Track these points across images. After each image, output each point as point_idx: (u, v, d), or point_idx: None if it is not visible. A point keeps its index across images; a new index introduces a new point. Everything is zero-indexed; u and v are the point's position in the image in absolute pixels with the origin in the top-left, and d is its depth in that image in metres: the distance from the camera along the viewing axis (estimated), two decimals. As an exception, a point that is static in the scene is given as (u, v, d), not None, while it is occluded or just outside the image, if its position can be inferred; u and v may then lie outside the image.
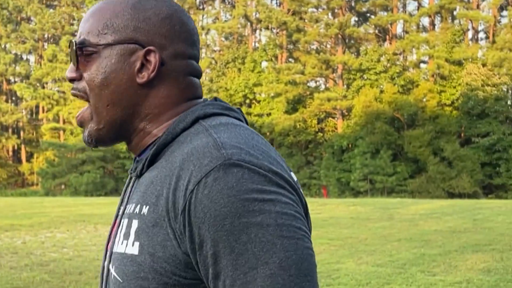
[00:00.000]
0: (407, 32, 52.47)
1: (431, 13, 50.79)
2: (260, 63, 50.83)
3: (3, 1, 56.47)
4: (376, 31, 53.76)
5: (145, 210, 1.08)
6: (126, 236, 1.11)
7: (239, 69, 50.33)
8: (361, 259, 10.43)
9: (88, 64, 1.16)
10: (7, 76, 58.27)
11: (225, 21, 57.68)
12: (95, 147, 1.22)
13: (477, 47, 47.83)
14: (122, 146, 45.76)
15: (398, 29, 55.20)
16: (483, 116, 42.64)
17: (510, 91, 44.83)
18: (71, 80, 1.19)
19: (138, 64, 1.14)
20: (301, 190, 1.10)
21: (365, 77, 47.08)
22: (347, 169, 43.67)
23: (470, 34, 50.95)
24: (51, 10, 59.07)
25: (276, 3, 57.31)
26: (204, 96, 1.43)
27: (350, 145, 44.73)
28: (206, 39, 55.53)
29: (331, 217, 18.26)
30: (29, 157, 57.65)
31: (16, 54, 59.40)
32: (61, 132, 55.03)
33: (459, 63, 45.36)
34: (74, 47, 1.16)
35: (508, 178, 40.85)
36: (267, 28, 54.55)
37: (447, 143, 41.79)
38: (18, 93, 56.99)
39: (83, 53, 1.16)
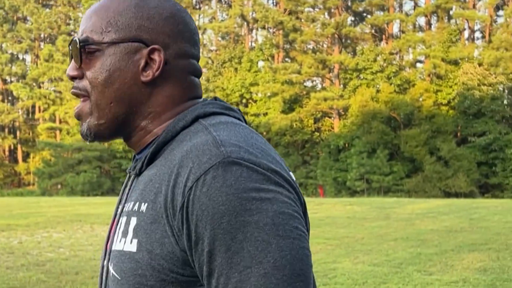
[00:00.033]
0: (403, 32, 52.53)
1: (427, 13, 50.86)
2: (257, 63, 50.82)
3: (-1, 1, 56.44)
4: (373, 31, 53.82)
5: (143, 207, 1.08)
6: (125, 233, 1.11)
7: (236, 69, 50.31)
8: (358, 258, 10.43)
9: (90, 62, 1.15)
10: (3, 75, 58.18)
11: (222, 20, 57.69)
12: (92, 141, 1.21)
13: (473, 47, 47.93)
14: (118, 146, 45.83)
15: (395, 28, 55.36)
16: (479, 116, 42.70)
17: (506, 91, 44.87)
18: (72, 78, 1.18)
19: (142, 63, 1.14)
20: (300, 189, 1.10)
21: (362, 77, 47.12)
22: (343, 168, 43.68)
23: (466, 33, 51.08)
24: (47, 10, 58.99)
25: (273, 2, 57.31)
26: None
27: (346, 145, 44.75)
28: (202, 39, 55.46)
29: (327, 217, 18.26)
30: (26, 157, 57.57)
31: (12, 54, 59.33)
32: (58, 132, 54.95)
33: (455, 63, 45.43)
34: (78, 45, 1.15)
35: (504, 178, 40.92)
36: (263, 27, 54.54)
37: (443, 143, 41.83)
38: (15, 93, 56.90)
39: (85, 51, 1.16)
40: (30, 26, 57.87)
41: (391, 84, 45.49)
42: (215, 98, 1.21)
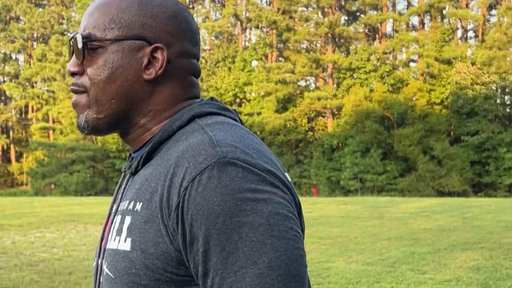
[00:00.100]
0: (396, 31, 52.61)
1: (420, 12, 50.95)
2: (250, 62, 50.80)
3: (-9, 0, 56.25)
4: (366, 30, 53.89)
5: (138, 206, 1.08)
6: (119, 232, 1.11)
7: (229, 68, 50.29)
8: (351, 257, 10.44)
9: (92, 59, 1.15)
10: (-4, 75, 58.06)
11: (215, 20, 57.64)
12: (88, 134, 1.21)
13: (467, 46, 48.06)
14: (112, 146, 45.76)
15: (388, 28, 55.42)
16: (472, 115, 42.82)
17: (499, 90, 45.02)
18: (73, 74, 1.18)
19: (145, 61, 1.14)
20: (295, 190, 1.10)
21: (355, 76, 47.19)
22: (337, 168, 43.73)
23: (459, 33, 51.18)
24: (40, 9, 58.81)
25: (266, 2, 57.29)
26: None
27: (340, 144, 44.79)
28: (196, 38, 55.38)
29: (321, 216, 18.27)
30: (19, 157, 57.39)
31: (5, 54, 59.11)
32: (51, 132, 54.77)
33: (448, 62, 45.53)
34: (81, 41, 1.15)
35: (497, 177, 41.04)
36: (257, 27, 54.53)
37: (436, 142, 41.93)
38: (7, 93, 56.69)
39: (88, 47, 1.15)
40: (23, 25, 57.69)
41: (384, 83, 45.57)
42: (212, 98, 1.21)
